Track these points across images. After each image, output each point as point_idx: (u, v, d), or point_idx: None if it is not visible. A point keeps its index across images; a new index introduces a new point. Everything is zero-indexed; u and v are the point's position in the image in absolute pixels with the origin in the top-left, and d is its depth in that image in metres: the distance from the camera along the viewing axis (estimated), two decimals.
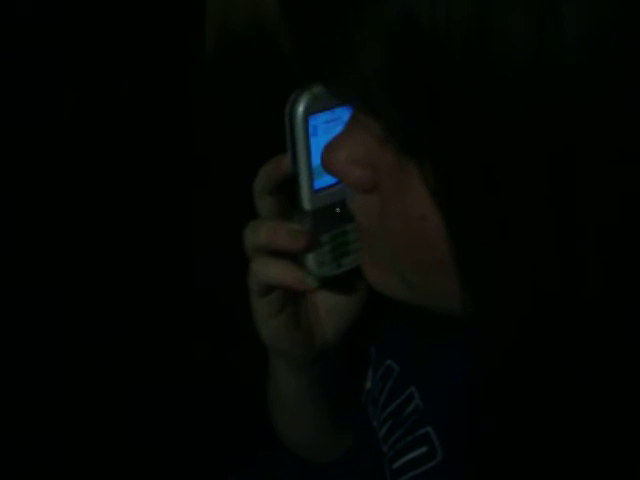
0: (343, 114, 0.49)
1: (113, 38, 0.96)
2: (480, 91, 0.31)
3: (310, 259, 0.51)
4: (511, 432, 0.40)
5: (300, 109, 0.48)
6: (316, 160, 0.49)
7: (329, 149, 0.40)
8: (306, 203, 0.50)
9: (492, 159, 0.32)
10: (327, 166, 0.40)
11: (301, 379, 0.57)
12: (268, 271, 0.51)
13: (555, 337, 0.36)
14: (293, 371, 0.56)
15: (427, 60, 0.31)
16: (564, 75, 0.30)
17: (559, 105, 0.30)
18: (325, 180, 0.50)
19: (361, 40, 0.32)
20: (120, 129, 0.98)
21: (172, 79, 1.03)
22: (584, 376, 0.36)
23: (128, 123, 0.98)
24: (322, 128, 0.49)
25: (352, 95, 0.35)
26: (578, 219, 0.32)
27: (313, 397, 0.58)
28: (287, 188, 0.51)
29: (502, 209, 0.33)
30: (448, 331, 0.50)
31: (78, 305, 1.03)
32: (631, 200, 0.32)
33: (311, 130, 0.48)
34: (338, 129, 0.49)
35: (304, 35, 0.35)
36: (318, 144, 0.49)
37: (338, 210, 0.51)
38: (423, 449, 0.50)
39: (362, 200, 0.40)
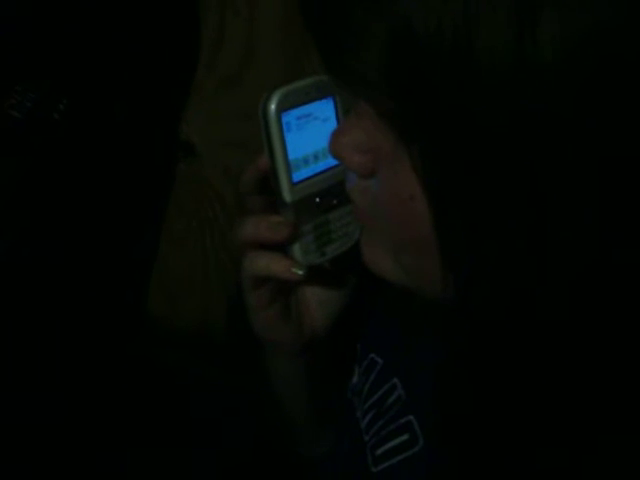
0: (314, 110, 0.53)
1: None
2: (464, 91, 0.34)
3: (295, 249, 0.53)
4: (486, 418, 0.42)
5: (272, 106, 0.50)
6: (292, 154, 0.52)
7: (335, 135, 0.44)
8: (286, 195, 0.52)
9: (472, 151, 0.35)
10: (332, 151, 0.44)
11: (292, 367, 0.59)
12: (256, 263, 0.53)
13: (529, 324, 0.38)
14: (285, 360, 0.59)
15: (419, 61, 0.34)
16: (541, 82, 0.33)
17: (537, 109, 0.33)
18: (303, 172, 0.53)
19: (366, 40, 0.35)
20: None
21: None
22: (557, 362, 0.39)
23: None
24: (295, 124, 0.52)
25: (357, 86, 0.39)
26: (553, 214, 0.35)
27: (303, 387, 0.60)
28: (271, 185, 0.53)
29: (481, 195, 0.36)
30: (430, 324, 0.52)
31: None
32: (604, 201, 0.34)
33: (285, 126, 0.51)
34: (310, 125, 0.53)
35: (320, 35, 0.39)
36: (292, 139, 0.52)
37: (318, 200, 0.54)
38: (405, 437, 0.52)
39: (361, 184, 0.44)
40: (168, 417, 1.10)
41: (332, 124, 0.54)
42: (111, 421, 1.03)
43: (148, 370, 1.11)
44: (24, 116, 0.83)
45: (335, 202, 0.55)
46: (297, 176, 0.53)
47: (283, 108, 0.51)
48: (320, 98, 0.53)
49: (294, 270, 0.53)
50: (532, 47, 0.32)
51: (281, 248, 0.53)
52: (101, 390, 1.03)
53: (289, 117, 0.52)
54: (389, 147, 0.39)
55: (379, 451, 0.53)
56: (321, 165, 0.54)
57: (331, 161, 0.53)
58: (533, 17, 0.32)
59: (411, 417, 0.52)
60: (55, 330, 0.93)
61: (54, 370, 0.95)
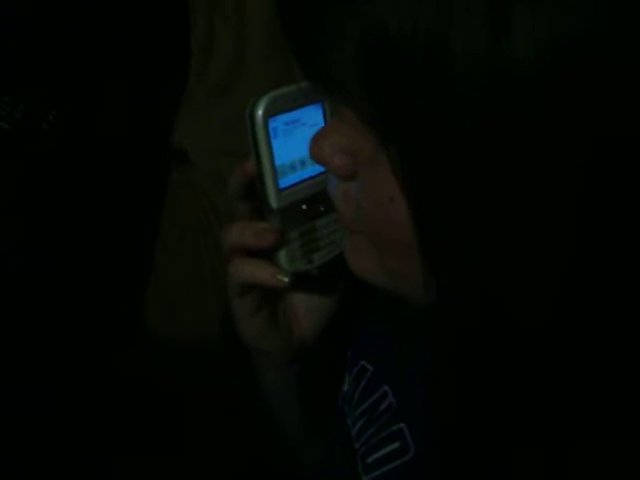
0: (302, 116, 0.52)
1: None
2: (439, 94, 0.33)
3: (281, 256, 0.53)
4: (473, 426, 0.41)
5: (259, 112, 0.50)
6: (279, 160, 0.52)
7: (316, 138, 0.43)
8: (272, 201, 0.52)
9: (449, 154, 0.35)
10: (312, 153, 0.44)
11: (283, 378, 0.59)
12: (242, 270, 0.53)
13: (510, 327, 0.37)
14: (274, 369, 0.58)
15: (393, 63, 0.34)
16: (516, 85, 0.32)
17: (512, 113, 0.33)
18: (290, 179, 0.53)
19: (340, 41, 0.35)
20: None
21: None
22: (538, 366, 0.38)
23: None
24: (282, 129, 0.51)
25: (334, 89, 0.38)
26: (531, 216, 0.35)
27: (293, 396, 0.60)
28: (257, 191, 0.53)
29: (458, 197, 0.35)
30: (420, 330, 0.52)
31: None
32: (582, 203, 0.34)
33: (271, 132, 0.51)
34: (298, 130, 0.52)
35: (294, 36, 0.39)
36: (279, 145, 0.51)
37: (304, 207, 0.53)
38: (396, 444, 0.51)
39: (343, 187, 0.43)
40: (161, 425, 1.09)
41: None
42: (103, 428, 1.02)
43: (143, 378, 1.11)
44: (13, 127, 0.83)
45: (322, 209, 0.54)
46: (284, 182, 0.52)
47: (270, 114, 0.50)
48: (308, 104, 0.53)
49: (279, 277, 0.52)
50: (507, 50, 0.32)
51: (267, 255, 0.53)
52: (94, 398, 1.03)
53: (276, 123, 0.51)
54: (369, 150, 0.39)
55: (370, 459, 0.52)
56: (308, 172, 0.54)
57: (318, 168, 0.53)
58: (507, 20, 0.32)
59: (402, 425, 0.52)
60: (47, 340, 0.92)
61: (47, 379, 0.95)
